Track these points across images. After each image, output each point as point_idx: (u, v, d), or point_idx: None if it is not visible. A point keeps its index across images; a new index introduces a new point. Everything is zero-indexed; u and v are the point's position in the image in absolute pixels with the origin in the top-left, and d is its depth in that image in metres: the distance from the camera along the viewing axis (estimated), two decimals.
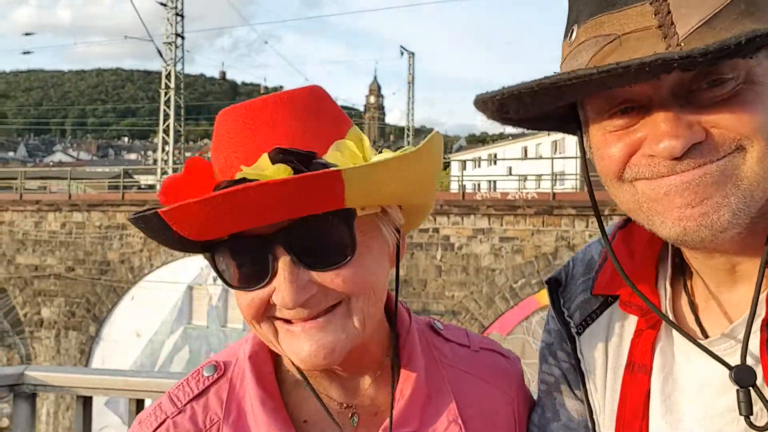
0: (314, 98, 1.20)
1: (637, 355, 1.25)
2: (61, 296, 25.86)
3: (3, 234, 26.88)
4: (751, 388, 1.05)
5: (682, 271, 1.26)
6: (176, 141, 39.53)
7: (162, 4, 39.17)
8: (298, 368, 1.25)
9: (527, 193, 21.61)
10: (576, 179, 31.27)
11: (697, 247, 1.10)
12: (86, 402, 3.01)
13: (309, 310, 1.10)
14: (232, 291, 1.17)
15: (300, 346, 1.12)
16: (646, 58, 0.90)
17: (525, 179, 30.33)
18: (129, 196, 27.00)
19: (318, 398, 1.24)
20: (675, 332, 1.20)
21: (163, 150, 39.51)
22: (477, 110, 1.13)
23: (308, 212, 1.07)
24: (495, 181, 30.97)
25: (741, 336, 1.09)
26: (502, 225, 20.14)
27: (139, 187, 37.66)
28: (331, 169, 1.03)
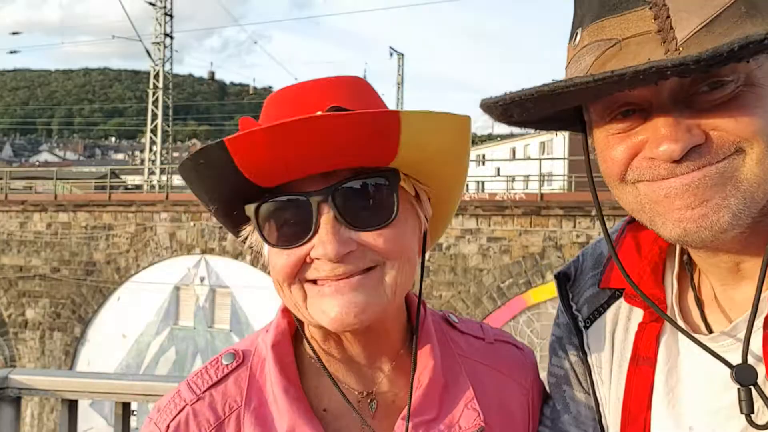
0: (360, 83, 1.30)
1: (641, 347, 1.26)
2: (46, 297, 25.69)
3: None
4: (752, 387, 1.06)
5: (689, 267, 1.27)
6: (164, 141, 39.40)
7: (151, 3, 39.01)
8: (317, 356, 1.28)
9: (515, 193, 21.69)
10: (564, 180, 31.40)
11: (699, 247, 1.12)
12: (71, 405, 2.99)
13: (346, 266, 1.14)
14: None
15: (331, 304, 1.15)
16: (640, 66, 0.90)
17: (513, 180, 30.40)
18: (116, 197, 26.85)
19: (337, 386, 1.25)
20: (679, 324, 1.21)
21: (151, 150, 39.36)
22: (483, 112, 1.15)
23: (364, 158, 1.13)
24: (483, 182, 30.99)
25: (742, 334, 1.10)
26: (489, 225, 20.21)
27: (126, 188, 37.51)
28: (391, 110, 1.12)
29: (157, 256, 24.72)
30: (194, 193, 1.24)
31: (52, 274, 25.71)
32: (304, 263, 1.17)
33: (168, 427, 1.24)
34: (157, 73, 38.82)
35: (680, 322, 1.22)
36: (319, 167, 1.12)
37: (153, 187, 35.86)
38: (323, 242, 1.12)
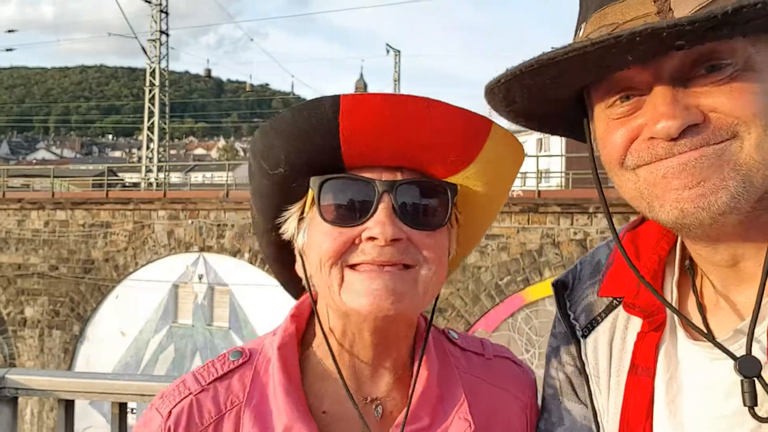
0: None
1: (640, 357, 1.26)
2: (44, 295, 25.68)
3: None
4: (756, 380, 1.05)
5: (691, 272, 1.26)
6: (161, 138, 39.36)
7: (146, 0, 38.96)
8: (332, 356, 1.30)
9: (512, 190, 21.65)
10: (561, 177, 31.39)
11: (697, 235, 1.11)
12: (68, 405, 2.98)
13: (393, 252, 1.19)
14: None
15: (370, 285, 1.19)
16: (636, 27, 0.92)
17: None
18: (113, 194, 26.85)
19: (345, 386, 1.28)
20: (679, 334, 1.21)
21: (148, 147, 39.34)
22: (490, 107, 1.19)
23: (441, 160, 1.24)
24: None
25: (743, 340, 1.09)
26: None
27: (124, 185, 37.41)
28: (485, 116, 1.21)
29: (155, 253, 24.71)
30: (265, 155, 1.26)
31: (51, 272, 25.69)
32: (352, 245, 1.21)
33: (170, 413, 1.25)
34: (153, 71, 38.78)
35: (680, 329, 1.21)
36: (401, 156, 1.22)
37: (150, 184, 35.84)
38: (381, 222, 1.18)
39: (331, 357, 1.30)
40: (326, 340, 1.31)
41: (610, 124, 1.11)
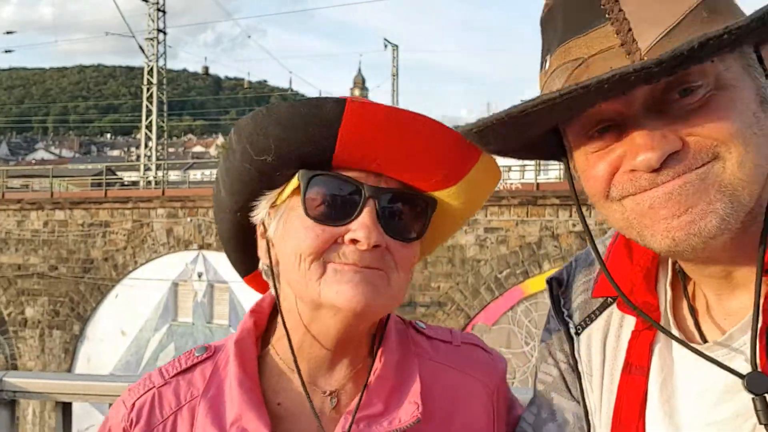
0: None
1: (634, 356, 1.25)
2: (44, 295, 25.70)
3: None
4: (767, 395, 1.02)
5: (682, 276, 1.25)
6: (159, 137, 39.34)
7: None
8: (292, 350, 1.33)
9: (511, 183, 21.67)
10: (559, 169, 31.31)
11: (690, 258, 1.10)
12: (65, 408, 2.98)
13: (372, 259, 1.24)
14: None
15: (347, 287, 1.22)
16: (603, 75, 0.90)
17: (509, 170, 30.36)
18: (112, 193, 26.85)
19: (301, 380, 1.32)
20: (673, 333, 1.20)
21: (146, 146, 39.32)
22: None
23: (438, 172, 1.28)
24: None
25: (737, 343, 1.08)
26: (486, 216, 20.21)
27: (123, 184, 37.35)
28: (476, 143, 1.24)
29: (154, 252, 24.72)
30: (252, 139, 1.24)
31: (50, 272, 25.71)
32: (334, 243, 1.24)
33: (134, 405, 1.33)
34: (151, 69, 38.73)
35: (674, 331, 1.20)
36: (389, 167, 1.26)
37: (149, 183, 35.78)
38: (366, 226, 1.22)
39: (291, 351, 1.33)
40: (287, 334, 1.33)
41: (590, 158, 1.10)
